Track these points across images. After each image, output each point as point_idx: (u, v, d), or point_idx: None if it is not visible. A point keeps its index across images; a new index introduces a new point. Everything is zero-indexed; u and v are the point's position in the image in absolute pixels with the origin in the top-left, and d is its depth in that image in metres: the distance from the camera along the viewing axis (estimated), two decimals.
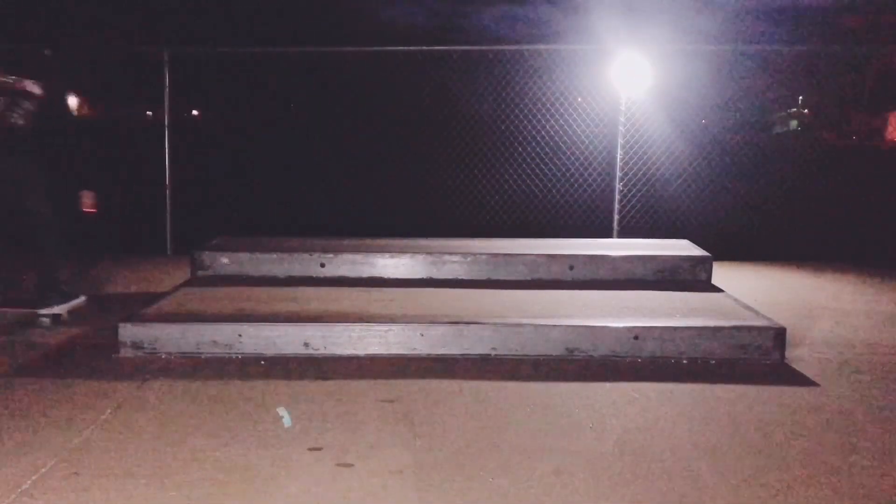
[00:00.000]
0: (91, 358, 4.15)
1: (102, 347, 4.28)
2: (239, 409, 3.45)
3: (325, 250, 5.43)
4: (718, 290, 5.15)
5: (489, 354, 4.19)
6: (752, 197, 9.19)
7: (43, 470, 2.84)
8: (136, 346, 4.19)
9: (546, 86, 8.02)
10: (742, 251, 7.06)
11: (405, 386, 3.76)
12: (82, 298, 5.03)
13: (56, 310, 4.84)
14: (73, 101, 5.28)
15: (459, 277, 5.34)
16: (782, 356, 4.20)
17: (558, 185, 8.42)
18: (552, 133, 8.30)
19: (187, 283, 5.24)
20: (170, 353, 4.17)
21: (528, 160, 8.48)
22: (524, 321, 4.30)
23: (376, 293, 4.92)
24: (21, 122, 4.74)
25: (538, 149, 8.41)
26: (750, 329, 4.23)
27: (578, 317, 4.41)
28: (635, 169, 7.28)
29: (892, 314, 5.34)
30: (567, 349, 4.20)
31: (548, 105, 8.13)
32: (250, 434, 3.18)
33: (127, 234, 7.84)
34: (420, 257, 5.40)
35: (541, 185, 8.53)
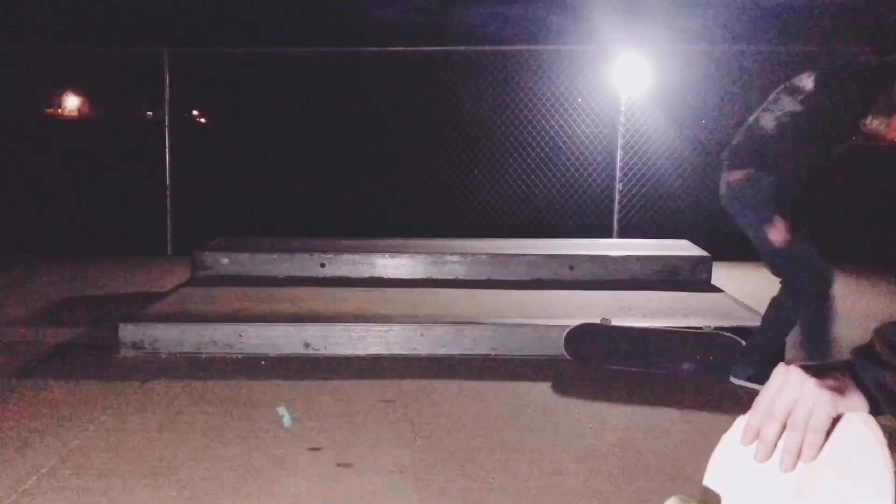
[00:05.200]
0: (91, 358, 4.15)
1: (102, 347, 4.28)
2: (239, 409, 3.45)
3: (325, 250, 5.43)
4: (718, 290, 5.15)
5: (489, 355, 4.19)
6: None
7: (43, 470, 2.84)
8: (136, 346, 4.19)
9: (546, 86, 8.02)
10: (742, 251, 7.04)
11: (405, 386, 3.76)
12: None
13: (739, 381, 3.78)
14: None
15: (459, 277, 5.34)
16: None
17: (558, 186, 8.42)
18: (552, 133, 8.29)
19: (187, 283, 5.24)
20: (170, 353, 4.17)
21: (529, 160, 8.47)
22: (524, 321, 4.30)
23: (376, 293, 4.92)
24: None
25: (538, 149, 8.40)
26: (750, 329, 4.21)
27: (578, 317, 4.40)
28: (635, 169, 7.28)
29: (892, 314, 5.34)
30: None
31: (548, 105, 8.13)
32: (250, 434, 3.18)
33: (127, 234, 7.84)
34: (420, 257, 5.40)
35: (541, 186, 8.52)
